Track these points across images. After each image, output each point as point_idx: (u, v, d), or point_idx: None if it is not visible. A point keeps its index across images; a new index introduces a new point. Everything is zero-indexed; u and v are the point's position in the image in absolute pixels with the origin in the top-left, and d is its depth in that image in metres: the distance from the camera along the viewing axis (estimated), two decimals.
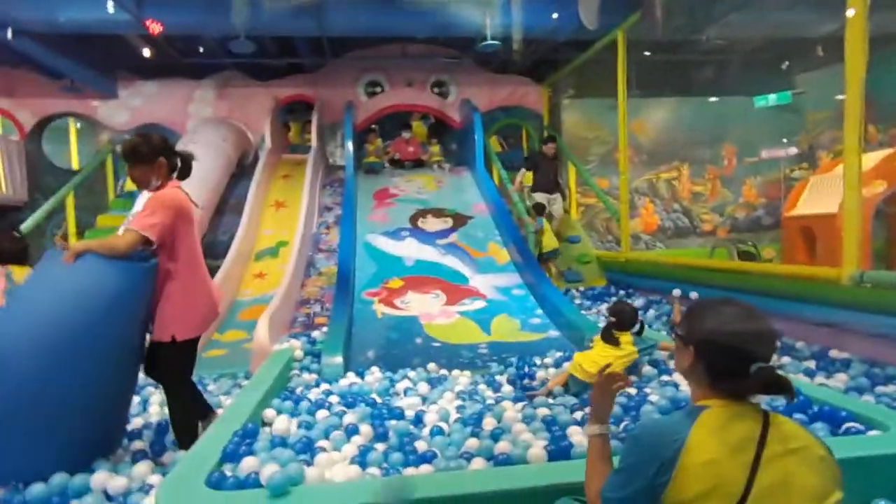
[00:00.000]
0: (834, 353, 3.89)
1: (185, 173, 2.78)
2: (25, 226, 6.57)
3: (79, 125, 10.04)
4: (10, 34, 6.84)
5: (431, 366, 3.99)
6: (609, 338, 3.37)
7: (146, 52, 8.36)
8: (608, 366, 1.74)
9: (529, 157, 8.24)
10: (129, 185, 8.49)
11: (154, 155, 2.60)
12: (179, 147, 7.94)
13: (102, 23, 7.01)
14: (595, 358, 3.30)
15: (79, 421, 2.42)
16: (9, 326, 2.34)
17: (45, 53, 7.68)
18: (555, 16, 7.45)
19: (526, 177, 8.33)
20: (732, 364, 1.24)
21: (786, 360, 3.78)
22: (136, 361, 2.71)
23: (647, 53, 9.39)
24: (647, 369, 3.52)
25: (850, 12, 3.72)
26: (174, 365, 2.70)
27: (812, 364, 3.74)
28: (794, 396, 1.25)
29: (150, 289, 2.58)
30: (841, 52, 3.79)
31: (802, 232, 6.64)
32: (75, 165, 9.72)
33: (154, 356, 2.69)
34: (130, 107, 9.48)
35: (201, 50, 8.90)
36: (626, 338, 3.38)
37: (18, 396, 2.27)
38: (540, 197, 7.68)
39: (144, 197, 2.74)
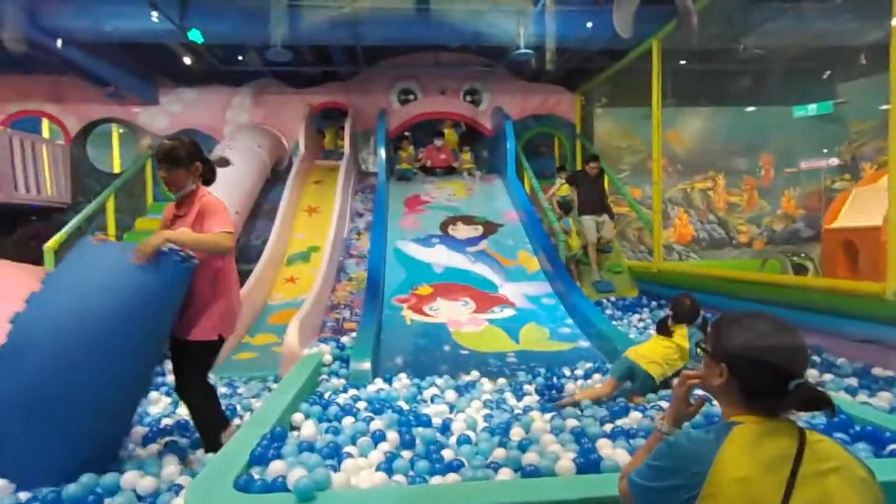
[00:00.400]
0: (877, 371, 3.73)
1: (211, 179, 2.79)
2: (69, 226, 6.84)
3: (121, 130, 10.41)
4: (59, 43, 7.16)
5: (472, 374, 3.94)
6: (663, 329, 3.32)
7: (187, 60, 8.63)
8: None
9: (572, 176, 7.87)
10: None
11: (191, 159, 2.62)
12: (216, 152, 8.06)
13: (146, 32, 7.28)
14: (644, 351, 3.29)
15: (96, 416, 2.38)
16: (35, 314, 2.31)
17: (91, 61, 8.01)
18: (589, 25, 7.41)
19: (562, 188, 8.30)
20: (769, 381, 1.19)
21: (827, 377, 3.63)
22: (155, 362, 2.73)
23: (682, 62, 9.24)
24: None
25: (895, 21, 3.62)
26: (210, 363, 2.73)
27: (854, 381, 3.58)
28: (836, 412, 1.18)
29: (185, 290, 2.56)
30: (885, 61, 3.69)
31: (844, 245, 6.40)
32: (117, 169, 10.07)
33: (190, 356, 2.65)
34: (170, 112, 9.79)
35: (240, 58, 9.14)
36: (681, 331, 3.31)
37: (36, 387, 2.23)
38: (587, 220, 7.31)
39: (174, 205, 2.76)
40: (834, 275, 6.47)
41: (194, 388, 2.70)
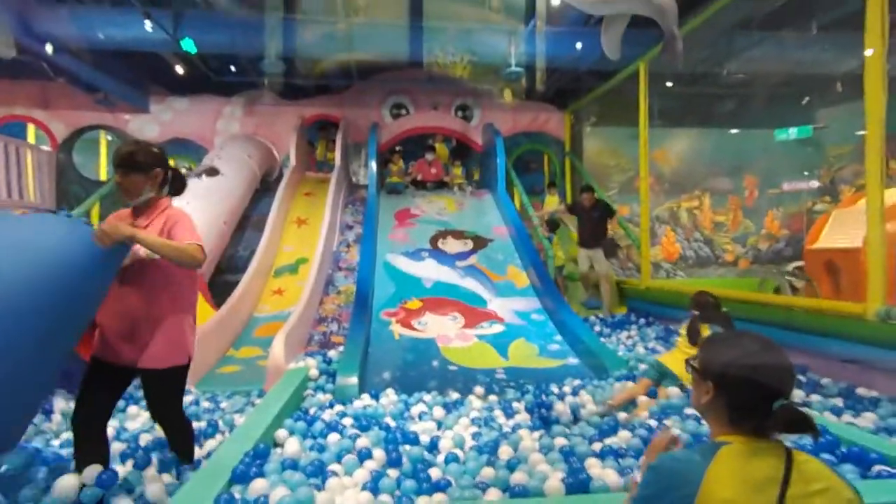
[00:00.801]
0: (861, 391, 3.76)
1: (179, 190, 2.52)
2: None
3: (109, 138, 10.32)
4: (49, 49, 7.11)
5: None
6: (694, 335, 3.29)
7: (179, 70, 8.61)
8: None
9: (571, 207, 7.57)
10: None
11: (151, 165, 2.35)
12: (206, 162, 7.94)
13: (139, 41, 7.26)
14: (673, 360, 3.32)
15: None
16: None
17: (82, 68, 7.95)
18: (578, 46, 7.54)
19: (548, 202, 8.36)
20: (754, 400, 1.20)
21: (814, 397, 3.66)
22: (60, 354, 2.22)
23: (669, 85, 9.44)
24: (674, 391, 3.38)
25: (868, 52, 3.82)
26: (182, 388, 2.51)
27: (839, 401, 3.61)
28: (819, 435, 1.20)
29: (110, 275, 2.24)
30: (860, 88, 3.84)
31: (826, 265, 6.50)
32: (103, 177, 9.96)
33: (163, 388, 2.39)
34: (161, 121, 9.74)
35: (232, 69, 9.14)
36: (707, 332, 3.31)
37: None
38: (580, 252, 7.13)
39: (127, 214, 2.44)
40: (816, 294, 6.58)
41: (177, 417, 2.49)
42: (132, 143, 2.43)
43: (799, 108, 10.40)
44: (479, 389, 3.92)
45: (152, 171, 2.37)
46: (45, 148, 9.06)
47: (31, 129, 9.44)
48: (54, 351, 2.16)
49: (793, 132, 10.01)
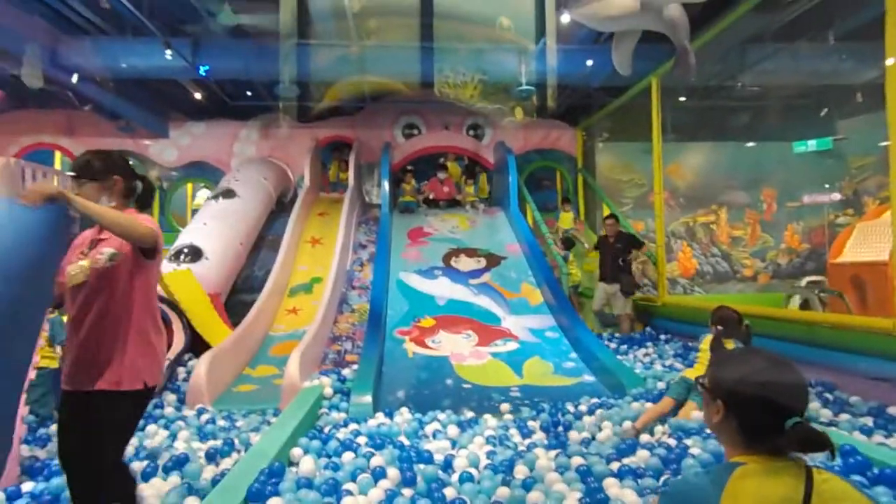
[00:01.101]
0: (893, 410, 3.63)
1: (144, 202, 2.29)
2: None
3: (131, 162, 10.58)
4: (75, 79, 7.36)
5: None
6: (719, 348, 3.29)
7: (197, 95, 8.84)
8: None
9: (597, 244, 7.05)
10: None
11: (108, 172, 2.15)
12: (223, 184, 8.00)
13: (159, 69, 7.48)
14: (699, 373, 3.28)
15: None
16: None
17: (105, 96, 8.21)
18: (589, 63, 7.59)
19: (562, 218, 8.33)
20: (766, 419, 1.16)
21: (843, 417, 3.53)
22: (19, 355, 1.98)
23: (682, 99, 9.42)
24: (696, 415, 3.31)
25: (889, 61, 3.72)
26: (133, 421, 2.12)
27: (869, 421, 3.49)
28: (835, 453, 1.14)
29: (54, 248, 2.01)
30: (882, 99, 3.75)
31: (851, 280, 6.36)
32: None
33: (103, 417, 1.98)
34: (179, 146, 9.97)
35: (248, 93, 9.36)
36: (731, 346, 3.30)
37: None
38: (599, 288, 6.75)
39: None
40: (842, 309, 6.41)
41: (111, 460, 2.01)
42: (88, 152, 2.24)
43: (818, 120, 10.28)
44: (504, 406, 3.90)
45: (109, 180, 2.15)
46: (71, 173, 9.31)
47: (57, 157, 9.73)
48: (12, 351, 1.90)
49: (812, 144, 9.86)
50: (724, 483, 1.12)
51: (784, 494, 1.10)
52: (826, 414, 3.57)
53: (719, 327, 3.40)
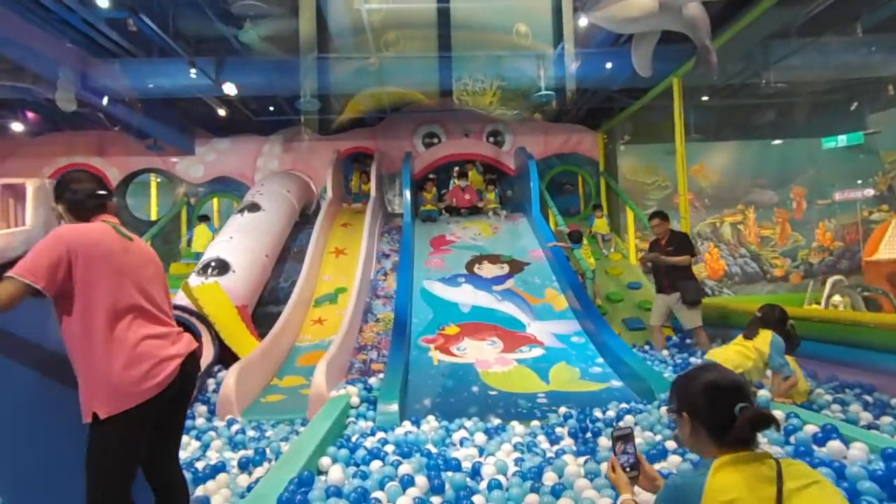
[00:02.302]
0: None
1: (76, 214, 2.08)
2: None
3: (159, 180, 10.88)
4: (105, 101, 7.61)
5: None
6: (749, 331, 3.57)
7: (221, 112, 9.06)
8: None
9: (650, 248, 5.93)
10: (196, 245, 8.89)
11: (56, 197, 2.08)
12: (248, 198, 8.12)
13: (184, 87, 7.69)
14: (729, 355, 3.52)
15: None
16: None
17: (134, 116, 8.47)
18: (608, 65, 7.53)
19: (596, 224, 8.25)
20: (720, 411, 1.40)
21: (885, 419, 3.39)
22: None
23: (704, 98, 9.27)
24: None
25: None
26: (100, 453, 1.86)
27: None
28: (780, 427, 1.41)
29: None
30: None
31: (888, 277, 6.15)
32: (153, 216, 10.47)
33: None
34: (205, 162, 10.22)
35: (271, 109, 9.54)
36: (764, 335, 3.52)
37: None
38: (657, 301, 5.77)
39: None
40: (879, 308, 6.20)
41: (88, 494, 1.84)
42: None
43: (847, 114, 10.01)
44: (562, 409, 3.81)
45: (58, 203, 2.08)
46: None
47: None
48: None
49: (842, 139, 9.60)
50: (705, 475, 1.35)
51: (761, 473, 1.32)
52: (866, 417, 3.44)
53: (758, 314, 3.66)
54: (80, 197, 2.06)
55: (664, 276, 5.61)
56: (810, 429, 2.81)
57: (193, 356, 2.12)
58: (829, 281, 6.45)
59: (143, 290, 2.02)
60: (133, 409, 1.87)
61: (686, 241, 5.64)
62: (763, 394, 3.44)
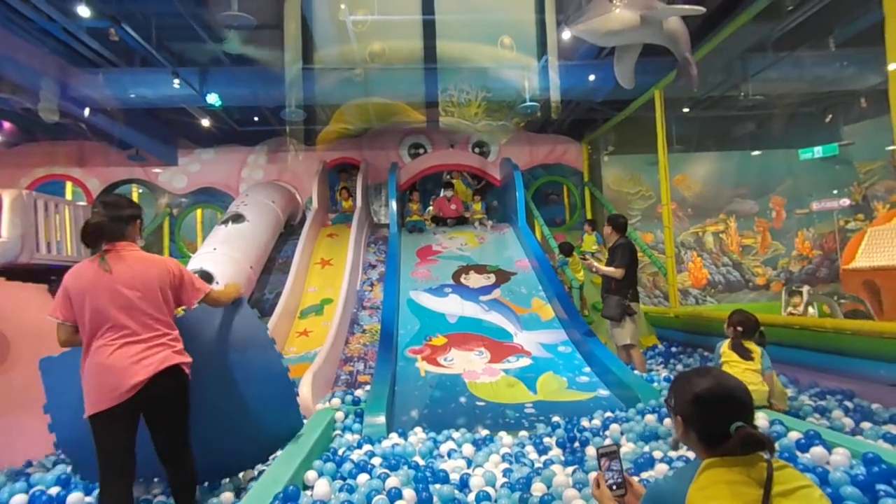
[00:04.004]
0: None
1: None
2: None
3: (141, 190, 10.74)
4: (87, 112, 7.52)
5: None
6: (743, 352, 3.47)
7: (205, 123, 8.99)
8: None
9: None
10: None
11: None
12: (232, 209, 8.12)
13: (168, 98, 7.62)
14: (752, 380, 3.37)
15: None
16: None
17: (116, 126, 8.37)
18: (591, 78, 7.65)
19: (585, 241, 8.28)
20: (714, 425, 1.38)
21: (866, 425, 3.45)
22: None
23: (686, 110, 9.45)
24: None
25: (892, 66, 3.74)
26: (97, 445, 2.32)
27: (893, 428, 3.41)
28: (774, 451, 1.36)
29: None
30: (886, 104, 3.76)
31: (866, 285, 6.28)
32: None
33: None
34: (188, 172, 10.12)
35: (255, 119, 9.50)
36: (752, 347, 3.49)
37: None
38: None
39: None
40: (857, 315, 6.31)
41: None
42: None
43: (823, 126, 10.27)
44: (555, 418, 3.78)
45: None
46: (82, 203, 9.45)
47: (68, 186, 9.90)
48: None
49: (818, 150, 9.86)
50: (691, 477, 1.34)
51: (749, 476, 1.30)
52: (848, 423, 3.49)
53: (739, 328, 3.55)
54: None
55: (601, 288, 5.39)
56: (794, 435, 2.84)
57: (165, 373, 2.38)
58: (805, 290, 6.54)
59: (98, 309, 2.38)
60: (106, 416, 2.30)
61: (620, 253, 5.11)
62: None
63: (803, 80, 8.20)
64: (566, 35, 6.78)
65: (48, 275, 8.72)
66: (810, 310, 6.52)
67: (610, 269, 5.16)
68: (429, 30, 7.32)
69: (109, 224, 2.43)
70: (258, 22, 6.26)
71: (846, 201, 10.27)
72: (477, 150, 10.48)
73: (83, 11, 5.66)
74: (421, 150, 10.40)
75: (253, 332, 2.97)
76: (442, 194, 9.42)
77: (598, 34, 4.93)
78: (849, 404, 3.89)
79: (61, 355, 2.71)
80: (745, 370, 3.44)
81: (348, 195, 9.46)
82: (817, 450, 2.61)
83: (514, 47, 7.44)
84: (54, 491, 2.83)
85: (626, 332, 5.09)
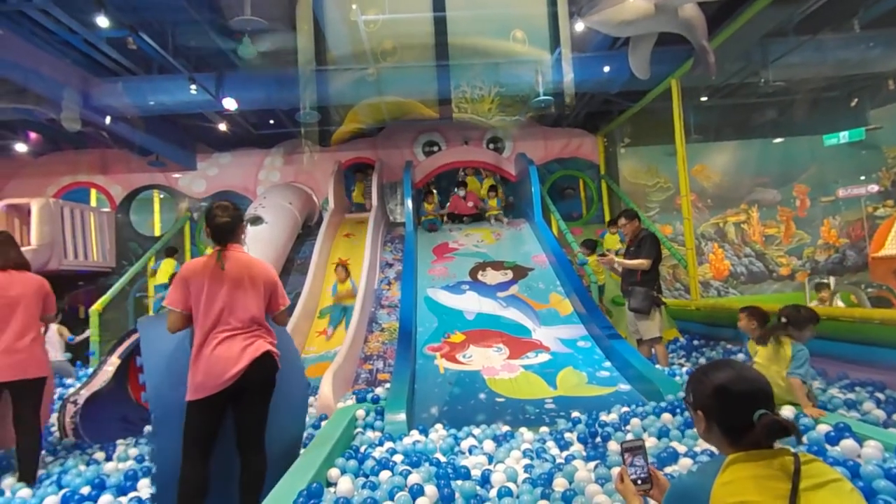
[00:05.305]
0: None
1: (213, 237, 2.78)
2: (113, 289, 7.11)
3: (162, 195, 10.94)
4: (108, 120, 7.67)
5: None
6: (776, 338, 3.32)
7: (222, 127, 9.11)
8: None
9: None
10: (160, 276, 8.69)
11: None
12: (250, 211, 8.33)
13: (185, 104, 7.74)
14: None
15: None
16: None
17: (136, 134, 8.53)
18: (606, 69, 7.55)
19: (607, 240, 8.14)
20: (736, 415, 1.35)
21: None
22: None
23: (703, 99, 9.28)
24: None
25: None
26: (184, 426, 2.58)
27: None
28: (801, 440, 1.34)
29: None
30: None
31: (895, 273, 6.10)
32: (157, 232, 10.51)
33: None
34: (207, 176, 10.27)
35: (271, 122, 9.59)
36: (788, 343, 3.32)
37: None
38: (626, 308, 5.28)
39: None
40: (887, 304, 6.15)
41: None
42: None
43: (848, 111, 10.00)
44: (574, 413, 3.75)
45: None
46: (105, 210, 9.67)
47: (92, 193, 10.13)
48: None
49: (844, 136, 9.59)
50: (716, 472, 1.31)
51: (775, 471, 1.27)
52: (880, 415, 3.40)
53: (784, 320, 3.40)
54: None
55: (623, 281, 5.26)
56: (823, 428, 2.78)
57: (260, 360, 2.60)
58: (832, 280, 6.40)
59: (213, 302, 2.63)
60: (202, 403, 2.53)
61: (648, 244, 5.00)
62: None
63: (826, 63, 7.96)
64: (579, 27, 6.71)
65: (76, 280, 8.98)
66: (836, 301, 6.38)
67: (635, 262, 5.02)
68: (440, 26, 7.31)
69: (232, 225, 2.75)
70: (271, 25, 6.32)
71: (874, 187, 9.98)
72: (491, 146, 10.44)
73: (102, 22, 5.77)
74: (435, 148, 10.40)
75: (286, 345, 2.99)
76: (456, 192, 9.40)
77: (611, 25, 4.87)
78: (880, 396, 3.79)
79: (158, 315, 2.95)
80: (767, 364, 3.36)
81: (364, 191, 9.50)
82: (848, 443, 2.55)
83: (526, 41, 7.38)
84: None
85: (656, 325, 4.98)
